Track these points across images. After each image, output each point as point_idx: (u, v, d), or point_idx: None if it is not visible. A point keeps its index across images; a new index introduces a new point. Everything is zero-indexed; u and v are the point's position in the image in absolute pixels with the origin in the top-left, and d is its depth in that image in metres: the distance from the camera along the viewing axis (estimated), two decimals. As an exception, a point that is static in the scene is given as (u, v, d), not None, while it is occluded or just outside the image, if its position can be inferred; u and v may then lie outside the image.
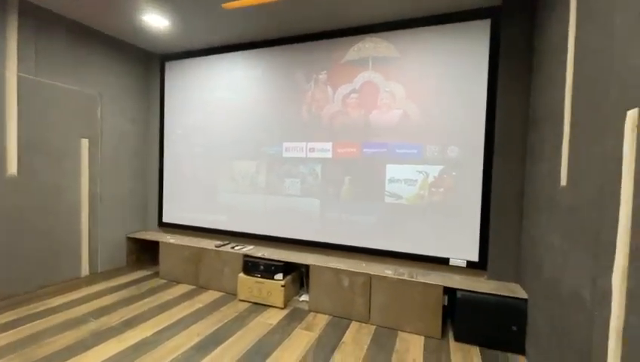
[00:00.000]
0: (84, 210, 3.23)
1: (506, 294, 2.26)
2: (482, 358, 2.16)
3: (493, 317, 2.27)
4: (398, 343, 2.33)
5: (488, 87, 2.50)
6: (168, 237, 3.65)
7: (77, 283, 3.19)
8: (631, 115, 1.12)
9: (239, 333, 2.38)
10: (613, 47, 1.25)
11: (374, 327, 2.55)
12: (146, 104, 3.87)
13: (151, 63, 3.84)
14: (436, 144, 2.66)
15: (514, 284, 2.43)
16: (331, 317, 2.71)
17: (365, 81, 2.86)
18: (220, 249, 3.20)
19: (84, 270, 3.28)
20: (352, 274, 2.66)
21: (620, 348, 1.14)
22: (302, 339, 2.33)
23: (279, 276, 2.85)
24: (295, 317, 2.67)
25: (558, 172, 1.75)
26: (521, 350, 2.20)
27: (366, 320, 2.61)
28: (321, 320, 2.64)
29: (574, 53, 1.63)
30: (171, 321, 2.53)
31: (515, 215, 2.44)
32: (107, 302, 2.82)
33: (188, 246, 3.32)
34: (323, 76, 3.01)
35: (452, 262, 2.62)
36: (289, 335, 2.39)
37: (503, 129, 2.46)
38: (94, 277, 3.35)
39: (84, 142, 3.21)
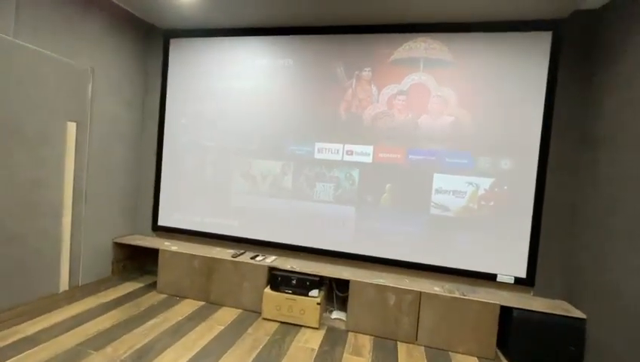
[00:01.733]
0: (67, 210, 2.61)
1: (563, 313, 2.23)
2: (544, 381, 2.10)
3: (549, 336, 2.22)
4: (455, 366, 2.18)
5: (545, 102, 2.45)
6: (167, 243, 3.12)
7: (55, 301, 2.57)
8: None
9: (285, 363, 2.05)
10: None
11: (423, 348, 2.38)
12: (143, 86, 3.28)
13: (152, 39, 3.25)
14: (488, 155, 2.56)
15: (563, 302, 2.41)
16: (373, 337, 2.48)
17: (415, 82, 2.67)
18: (238, 259, 2.79)
19: (63, 284, 2.65)
20: (399, 292, 2.45)
21: None
22: (357, 368, 2.07)
23: (314, 292, 2.54)
24: (335, 340, 2.39)
25: (653, 195, 1.71)
26: (577, 370, 2.17)
27: (412, 340, 2.42)
28: (365, 341, 2.40)
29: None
30: (194, 351, 2.10)
31: (564, 233, 2.42)
32: (102, 326, 2.29)
33: (197, 255, 2.85)
34: (367, 73, 2.76)
35: (499, 279, 2.54)
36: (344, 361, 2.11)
37: (558, 143, 2.43)
38: (76, 293, 2.73)
39: (71, 127, 2.59)
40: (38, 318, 2.31)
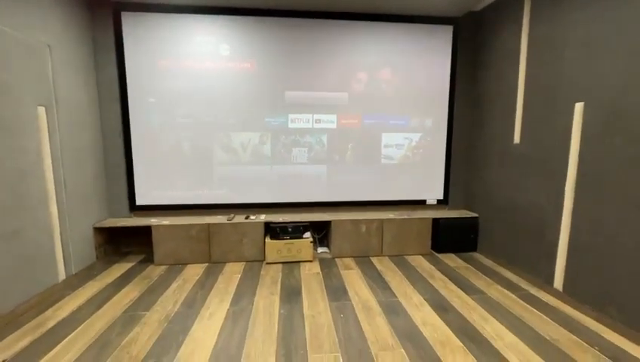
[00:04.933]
0: (52, 200, 2.52)
1: (465, 216, 3.51)
2: (459, 258, 3.36)
3: (459, 232, 3.48)
4: (409, 261, 3.25)
5: (450, 76, 3.52)
6: (153, 220, 3.25)
7: (59, 289, 2.56)
8: (579, 106, 2.25)
9: (307, 284, 2.72)
10: (563, 57, 2.36)
11: (387, 257, 3.38)
12: (94, 63, 3.07)
13: (100, 11, 3.01)
14: (417, 117, 3.55)
15: (464, 211, 3.72)
16: (353, 258, 3.36)
17: (367, 66, 3.39)
18: (234, 221, 3.21)
19: (61, 274, 2.62)
20: (368, 222, 3.35)
21: (569, 227, 2.36)
22: (353, 276, 2.91)
23: (307, 234, 3.23)
24: (328, 265, 3.18)
25: (512, 134, 2.93)
26: (475, 249, 3.52)
27: (380, 253, 3.40)
28: (349, 261, 3.26)
29: (526, 55, 2.75)
30: (231, 294, 2.57)
31: (464, 165, 3.68)
32: (132, 296, 2.50)
33: (194, 224, 3.14)
34: (324, 56, 3.33)
35: (428, 202, 3.69)
36: (341, 275, 2.91)
37: (458, 105, 3.58)
38: (74, 280, 2.73)
39: (41, 111, 2.43)
40: (57, 304, 2.36)
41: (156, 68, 3.16)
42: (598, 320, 2.13)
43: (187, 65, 3.19)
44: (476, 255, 3.45)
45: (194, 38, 3.17)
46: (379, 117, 3.49)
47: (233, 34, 3.21)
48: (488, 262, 3.22)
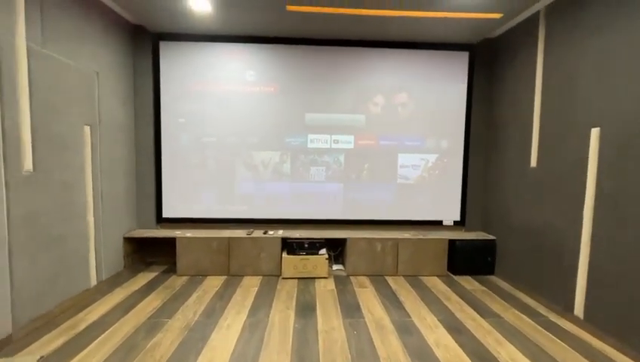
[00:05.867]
0: (89, 210, 2.75)
1: (482, 238, 3.48)
2: (475, 280, 3.31)
3: (476, 254, 3.45)
4: (424, 282, 3.24)
5: (467, 99, 3.60)
6: (177, 232, 3.43)
7: (91, 293, 2.75)
8: (595, 131, 2.27)
9: (321, 300, 2.78)
10: (578, 83, 2.40)
11: (402, 277, 3.38)
12: (134, 87, 3.38)
13: (141, 41, 3.36)
14: (433, 138, 3.62)
15: (481, 232, 3.69)
16: (368, 276, 3.38)
17: (384, 90, 3.54)
18: (253, 236, 3.34)
19: (93, 280, 2.82)
20: (383, 241, 3.39)
21: (589, 251, 2.32)
22: (367, 294, 2.94)
23: (323, 251, 3.30)
24: (343, 282, 3.22)
25: (528, 158, 2.95)
26: (492, 272, 3.46)
27: (395, 273, 3.41)
28: (363, 280, 3.29)
29: (542, 81, 2.80)
30: (248, 306, 2.67)
31: (481, 187, 3.68)
32: (155, 304, 2.65)
33: (215, 237, 3.29)
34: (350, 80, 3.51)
35: (445, 223, 3.70)
36: (356, 293, 2.95)
37: (475, 128, 3.63)
38: (103, 286, 2.92)
39: (87, 130, 2.70)
40: (89, 308, 2.54)
41: (187, 91, 3.44)
42: (620, 351, 2.05)
43: (215, 88, 3.45)
44: (493, 278, 3.39)
45: (223, 65, 3.44)
46: (395, 138, 3.60)
47: (258, 60, 3.46)
48: (506, 286, 3.16)
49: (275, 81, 3.49)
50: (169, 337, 2.16)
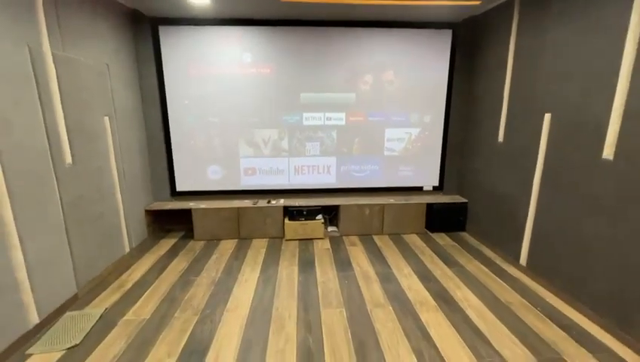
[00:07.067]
0: (117, 189, 3.18)
1: (456, 201, 4.04)
2: (448, 237, 3.93)
3: (450, 215, 4.03)
4: (405, 239, 3.85)
5: (449, 76, 3.91)
6: (191, 204, 3.91)
7: (128, 258, 3.30)
8: (547, 116, 2.69)
9: (319, 258, 3.37)
10: (539, 71, 2.76)
11: (386, 236, 3.99)
12: (137, 72, 3.60)
13: (140, 27, 3.50)
14: (416, 113, 3.99)
15: (456, 196, 4.24)
16: (358, 236, 3.98)
17: (374, 68, 3.80)
18: (258, 205, 3.84)
19: (126, 247, 3.34)
20: (371, 206, 3.93)
21: (534, 214, 2.87)
22: (357, 251, 3.54)
23: (319, 216, 3.84)
24: (337, 242, 3.81)
25: (497, 133, 3.38)
26: (463, 229, 4.08)
27: (380, 232, 4.01)
28: (354, 239, 3.88)
29: (512, 64, 3.14)
30: (260, 264, 3.25)
31: (458, 156, 4.15)
32: (182, 266, 3.21)
33: (225, 208, 3.79)
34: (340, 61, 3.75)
35: (425, 188, 4.22)
36: (348, 251, 3.55)
37: (455, 103, 3.99)
38: (135, 252, 3.46)
39: (106, 120, 3.03)
40: (129, 271, 3.09)
41: (189, 74, 3.68)
42: (547, 289, 2.71)
43: (215, 71, 3.69)
44: (464, 234, 4.01)
45: (220, 48, 3.64)
46: (382, 114, 3.96)
47: (254, 42, 3.66)
48: (473, 241, 3.79)
49: (271, 62, 3.73)
50: (200, 291, 2.75)
